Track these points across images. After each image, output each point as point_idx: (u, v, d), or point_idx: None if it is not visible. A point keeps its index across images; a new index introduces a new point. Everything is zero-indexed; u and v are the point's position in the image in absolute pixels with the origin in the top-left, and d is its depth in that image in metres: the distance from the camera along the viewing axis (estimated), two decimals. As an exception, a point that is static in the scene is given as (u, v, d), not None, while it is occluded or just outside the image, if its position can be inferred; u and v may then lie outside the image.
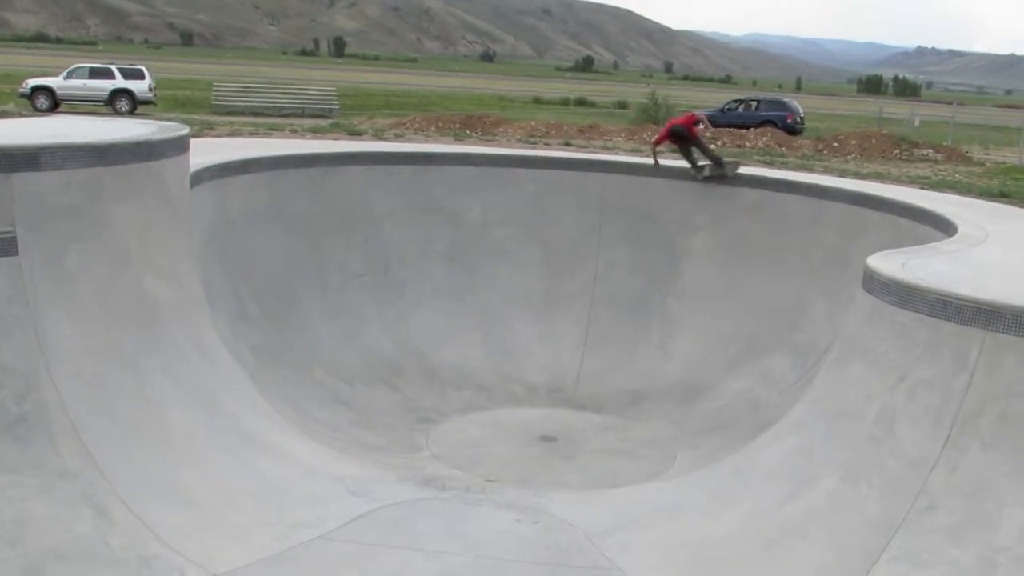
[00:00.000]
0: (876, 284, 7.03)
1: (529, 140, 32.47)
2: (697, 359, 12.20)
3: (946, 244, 8.95)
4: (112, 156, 7.48)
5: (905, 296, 6.67)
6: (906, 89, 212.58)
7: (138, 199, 7.74)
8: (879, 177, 24.87)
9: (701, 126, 13.95)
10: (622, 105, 67.42)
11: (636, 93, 67.41)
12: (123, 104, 40.44)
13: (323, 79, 72.88)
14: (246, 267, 11.08)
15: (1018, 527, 5.75)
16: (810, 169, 24.80)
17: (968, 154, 38.74)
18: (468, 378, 11.92)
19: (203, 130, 27.78)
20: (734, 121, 45.56)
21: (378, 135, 30.95)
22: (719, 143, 36.11)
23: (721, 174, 13.27)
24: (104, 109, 39.51)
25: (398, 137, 31.02)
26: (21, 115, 31.09)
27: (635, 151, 27.91)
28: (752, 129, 41.42)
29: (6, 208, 6.66)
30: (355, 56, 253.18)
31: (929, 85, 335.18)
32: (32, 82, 41.15)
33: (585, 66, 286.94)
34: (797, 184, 13.24)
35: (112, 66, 43.09)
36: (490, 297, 12.91)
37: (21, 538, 5.91)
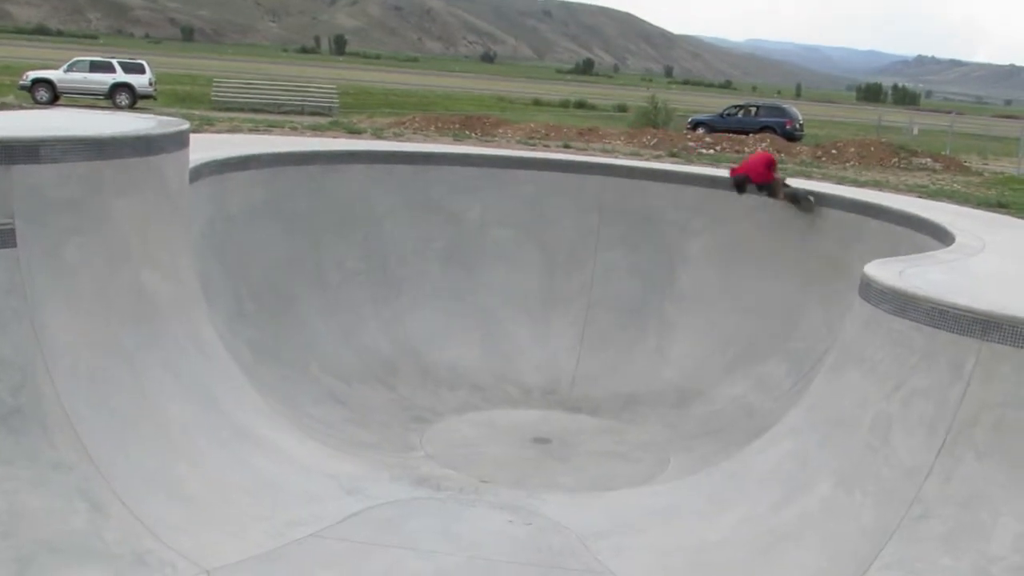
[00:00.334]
0: (873, 292, 7.04)
1: (528, 142, 32.49)
2: (693, 363, 12.21)
3: (944, 253, 8.95)
4: (112, 150, 7.48)
5: (902, 305, 6.68)
6: (905, 98, 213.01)
7: (138, 193, 7.73)
8: (877, 185, 24.90)
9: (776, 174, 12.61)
10: (622, 108, 67.53)
11: (636, 97, 67.50)
12: (123, 98, 40.44)
13: (323, 77, 72.93)
14: (244, 263, 11.08)
15: (1012, 537, 5.76)
16: (808, 176, 24.81)
17: (966, 164, 38.81)
18: (463, 378, 11.92)
19: (203, 126, 27.78)
20: (733, 127, 45.65)
21: (377, 134, 30.97)
22: (719, 148, 36.16)
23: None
24: (104, 103, 39.49)
25: (397, 136, 31.03)
26: (21, 107, 31.07)
27: (634, 154, 27.96)
28: (751, 135, 41.47)
29: (5, 200, 6.66)
30: (356, 54, 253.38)
31: (929, 94, 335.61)
32: (32, 74, 41.18)
33: (585, 69, 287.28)
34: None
35: (113, 60, 43.08)
36: (487, 298, 12.91)
37: (14, 530, 5.91)
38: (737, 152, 35.67)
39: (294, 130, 28.65)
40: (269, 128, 29.18)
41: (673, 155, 30.69)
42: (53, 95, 39.86)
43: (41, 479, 6.21)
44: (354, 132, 31.10)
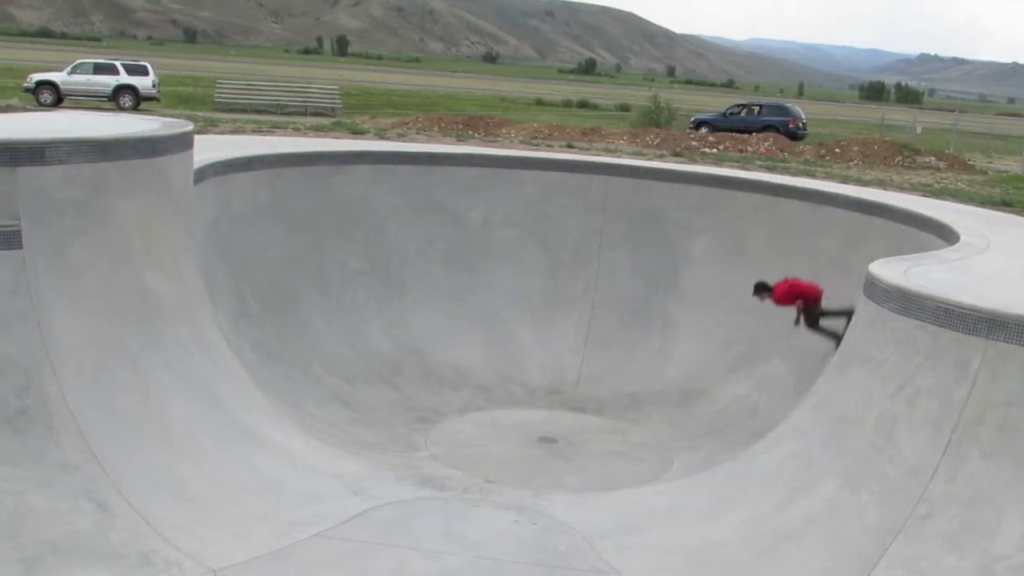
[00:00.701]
0: (878, 291, 7.04)
1: (531, 142, 32.48)
2: (697, 363, 12.21)
3: (948, 252, 8.94)
4: (116, 151, 7.50)
5: (907, 304, 6.68)
6: (908, 96, 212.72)
7: (142, 195, 7.75)
8: (881, 184, 24.86)
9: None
10: (624, 108, 67.50)
11: (638, 96, 67.49)
12: (127, 100, 40.49)
13: (326, 78, 72.96)
14: (248, 264, 11.10)
15: (1017, 536, 5.76)
16: (812, 175, 24.80)
17: (970, 162, 38.77)
18: (467, 378, 11.93)
19: (206, 127, 27.80)
20: (736, 126, 45.63)
21: (380, 134, 30.97)
22: (722, 147, 36.13)
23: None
24: (108, 105, 39.53)
25: (400, 137, 31.04)
26: (25, 109, 31.11)
27: (637, 154, 27.94)
28: (754, 134, 41.43)
29: (11, 202, 6.67)
30: (358, 55, 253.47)
31: (932, 92, 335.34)
32: (36, 77, 41.23)
33: (588, 68, 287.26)
34: (799, 190, 13.23)
35: (116, 62, 43.13)
36: (491, 298, 12.91)
37: (20, 530, 5.92)
38: (740, 151, 35.64)
39: (297, 131, 28.68)
40: (272, 129, 29.20)
41: (676, 155, 30.68)
42: (57, 97, 39.91)
43: (47, 480, 6.23)
44: (357, 133, 31.11)
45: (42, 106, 37.51)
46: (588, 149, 30.98)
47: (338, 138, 24.60)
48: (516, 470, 9.54)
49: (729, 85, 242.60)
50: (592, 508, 7.99)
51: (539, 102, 74.78)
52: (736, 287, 12.50)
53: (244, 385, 8.75)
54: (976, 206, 16.55)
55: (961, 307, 6.34)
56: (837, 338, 9.87)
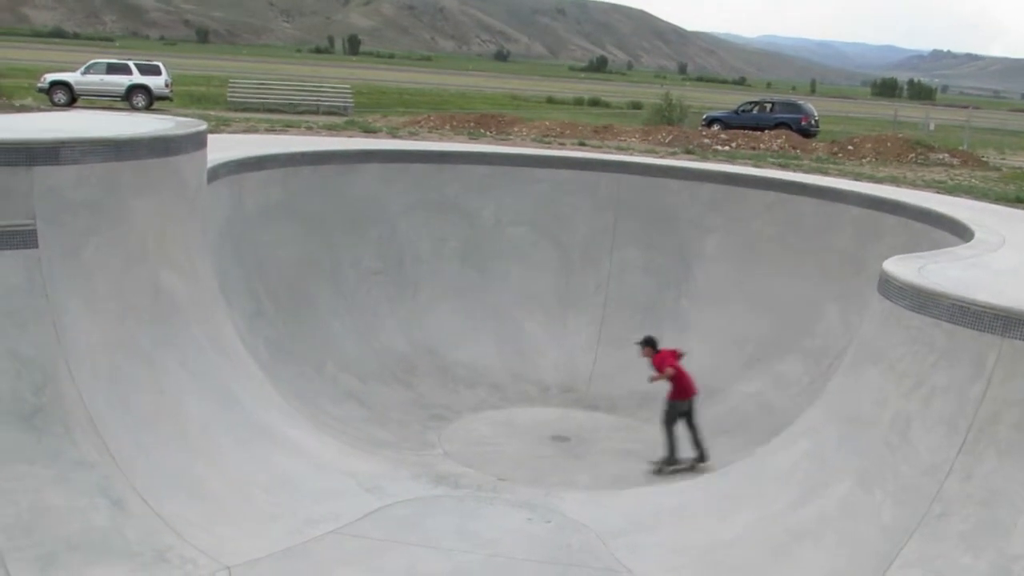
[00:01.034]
0: (892, 289, 7.01)
1: (543, 140, 32.45)
2: (709, 361, 12.16)
3: (963, 249, 8.91)
4: (130, 151, 7.53)
5: (922, 301, 6.65)
6: (921, 93, 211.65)
7: (155, 194, 7.78)
8: (894, 181, 24.78)
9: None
10: (636, 106, 67.36)
11: (650, 94, 67.38)
12: (140, 100, 40.57)
13: (338, 76, 73.03)
14: (261, 263, 11.12)
15: (1033, 534, 5.73)
16: (825, 172, 24.74)
17: (984, 159, 38.59)
18: (481, 377, 11.94)
19: (219, 126, 27.87)
20: (748, 123, 45.49)
21: (393, 133, 31.00)
22: (734, 145, 36.05)
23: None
24: (121, 105, 39.64)
25: (412, 135, 31.06)
26: (39, 109, 31.24)
27: (649, 152, 27.90)
28: (766, 131, 41.32)
29: (26, 201, 6.71)
30: (369, 54, 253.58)
31: (944, 89, 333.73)
32: (50, 77, 41.35)
33: (599, 66, 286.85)
34: (811, 187, 13.19)
35: (129, 62, 43.24)
36: (503, 296, 12.92)
37: (37, 527, 5.95)
38: (753, 148, 35.56)
39: (309, 130, 28.71)
40: (285, 128, 29.25)
41: (689, 152, 30.64)
42: (71, 97, 40.01)
43: (63, 477, 6.25)
44: (369, 131, 31.13)
45: (56, 106, 37.62)
46: (600, 147, 30.95)
47: (350, 137, 24.63)
48: (529, 468, 9.54)
49: (741, 82, 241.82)
50: (605, 506, 7.99)
51: (550, 100, 74.70)
52: (749, 285, 12.48)
53: (259, 383, 8.78)
54: (990, 203, 16.46)
55: (976, 304, 6.31)
56: (671, 453, 9.70)
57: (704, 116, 49.35)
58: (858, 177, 24.13)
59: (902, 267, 7.28)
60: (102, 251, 7.21)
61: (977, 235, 9.62)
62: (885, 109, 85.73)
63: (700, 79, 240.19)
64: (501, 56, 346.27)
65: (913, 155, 36.87)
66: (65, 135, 7.23)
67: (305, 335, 11.17)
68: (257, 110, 41.41)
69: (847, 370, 7.69)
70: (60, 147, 6.98)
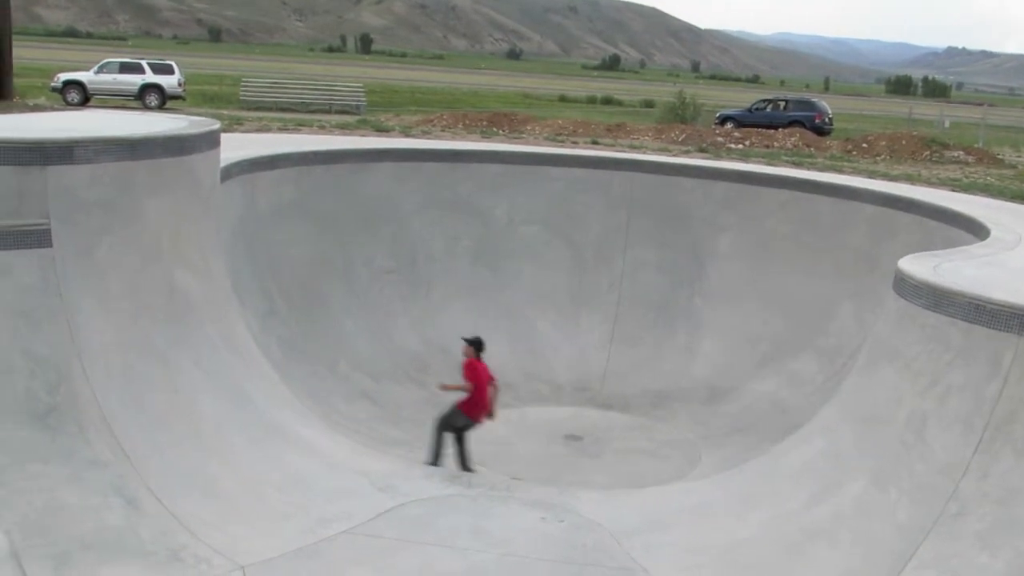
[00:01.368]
0: (908, 287, 6.97)
1: (556, 138, 32.39)
2: (723, 360, 12.16)
3: (978, 247, 8.86)
4: (144, 150, 7.54)
5: (937, 300, 6.61)
6: (936, 90, 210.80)
7: (169, 193, 7.78)
8: (909, 179, 24.65)
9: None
10: (649, 104, 67.24)
11: (663, 92, 67.20)
12: (153, 99, 40.67)
13: (350, 75, 73.12)
14: (275, 261, 11.14)
15: (1050, 534, 5.69)
16: (839, 170, 24.61)
17: (999, 156, 38.38)
18: (494, 375, 11.90)
19: (232, 125, 27.90)
20: (762, 121, 45.36)
21: (405, 132, 30.98)
22: (748, 143, 35.96)
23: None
24: (134, 104, 39.76)
25: (425, 134, 31.05)
26: (53, 109, 31.34)
27: (663, 150, 27.82)
28: (780, 129, 41.18)
29: (41, 201, 6.72)
30: (382, 53, 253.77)
31: (959, 86, 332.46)
32: (63, 76, 41.50)
33: (612, 64, 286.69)
34: (826, 185, 13.15)
35: (142, 61, 43.36)
36: (516, 295, 12.91)
37: (51, 527, 5.97)
38: (766, 147, 35.46)
39: (322, 129, 28.71)
40: (298, 127, 29.27)
41: (702, 150, 30.54)
42: (84, 96, 40.13)
43: (77, 476, 6.27)
44: (382, 130, 31.12)
45: (69, 105, 37.73)
46: (613, 145, 30.88)
47: (363, 136, 24.62)
48: (543, 467, 9.53)
49: (754, 80, 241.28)
50: (619, 506, 7.96)
51: (563, 98, 74.63)
52: (763, 283, 12.45)
53: (272, 383, 8.78)
54: (1006, 200, 16.36)
55: (992, 303, 6.27)
56: (434, 457, 9.25)
57: (717, 114, 49.22)
58: (872, 175, 24.01)
59: (917, 265, 7.24)
60: (116, 250, 7.22)
61: (993, 233, 9.57)
62: (900, 107, 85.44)
63: (713, 77, 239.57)
64: (513, 54, 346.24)
65: (928, 153, 36.69)
66: (79, 135, 7.25)
67: (318, 334, 11.18)
68: (270, 109, 41.48)
69: (862, 369, 7.65)
70: (74, 147, 6.99)
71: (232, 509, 6.76)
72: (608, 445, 10.40)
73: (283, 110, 41.71)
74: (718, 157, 25.30)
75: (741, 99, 66.46)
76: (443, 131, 33.74)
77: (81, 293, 6.87)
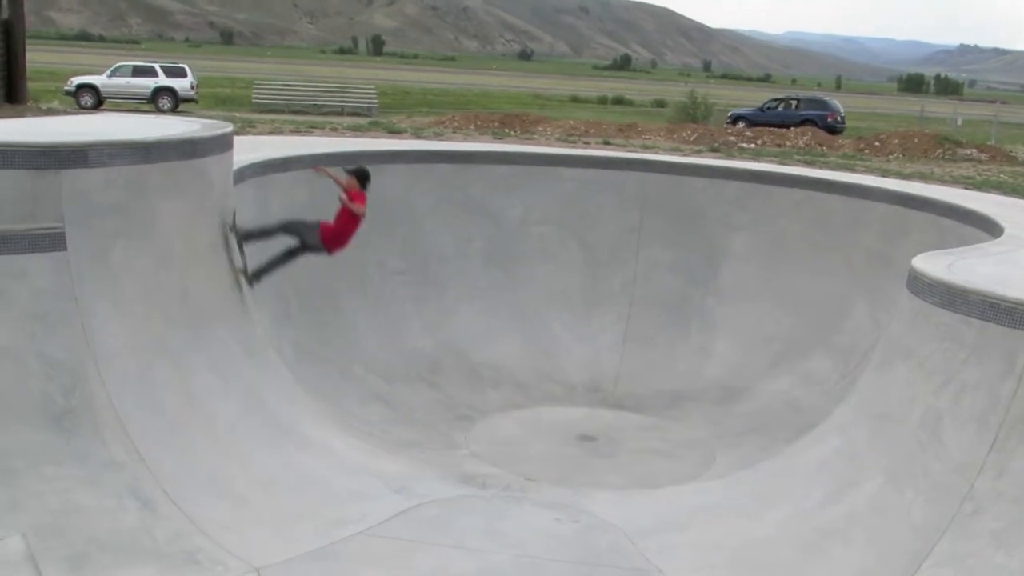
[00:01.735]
0: (922, 285, 6.96)
1: (568, 139, 32.37)
2: (737, 359, 12.13)
3: (992, 245, 8.83)
4: (158, 153, 7.57)
5: (951, 298, 6.60)
6: (948, 88, 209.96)
7: (183, 196, 7.82)
8: (922, 177, 24.57)
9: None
10: (660, 104, 67.16)
11: (674, 92, 67.10)
12: (165, 102, 40.81)
13: (362, 77, 73.21)
14: (288, 264, 11.14)
15: (1066, 533, 5.67)
16: (852, 169, 24.54)
17: (1012, 154, 38.21)
18: (507, 376, 11.92)
19: (244, 128, 27.96)
20: (773, 120, 45.26)
21: (417, 133, 31.01)
22: (760, 142, 35.88)
23: None
24: (147, 107, 39.91)
25: (437, 136, 31.07)
26: (66, 112, 31.47)
27: (675, 150, 27.80)
28: (792, 128, 41.08)
29: (55, 204, 6.76)
30: (393, 54, 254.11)
31: (972, 84, 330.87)
32: (77, 80, 41.66)
33: (623, 64, 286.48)
34: (839, 184, 13.12)
35: (155, 64, 43.53)
36: (529, 296, 12.90)
37: (67, 528, 6.00)
38: (779, 146, 35.38)
39: (334, 131, 28.75)
40: (310, 129, 29.31)
41: (714, 150, 30.47)
42: (97, 100, 40.28)
43: (93, 478, 6.30)
44: (394, 132, 31.15)
45: (83, 109, 37.90)
46: (625, 146, 30.85)
47: (375, 138, 24.65)
48: (556, 468, 9.53)
49: (766, 79, 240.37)
50: (633, 506, 7.97)
51: (574, 99, 74.61)
52: (776, 282, 12.42)
53: (286, 385, 8.80)
54: (1019, 198, 16.29)
55: (1007, 301, 6.25)
56: (269, 267, 9.05)
57: (729, 114, 49.12)
58: (885, 173, 23.92)
59: (931, 264, 7.23)
60: (130, 253, 7.25)
61: (1007, 231, 9.53)
62: (912, 105, 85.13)
63: (725, 76, 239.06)
64: (525, 55, 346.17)
65: (941, 151, 36.55)
66: (93, 138, 7.29)
67: (331, 336, 11.20)
68: (282, 112, 41.56)
69: (876, 367, 7.63)
70: (88, 150, 7.03)
71: (247, 511, 6.78)
72: (622, 446, 10.39)
73: (295, 112, 41.78)
74: (730, 157, 25.26)
75: (753, 98, 66.31)
76: (455, 132, 33.75)
77: (96, 296, 6.90)
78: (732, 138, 37.09)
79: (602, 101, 73.96)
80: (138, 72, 42.31)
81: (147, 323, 7.28)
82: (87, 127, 8.68)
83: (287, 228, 9.26)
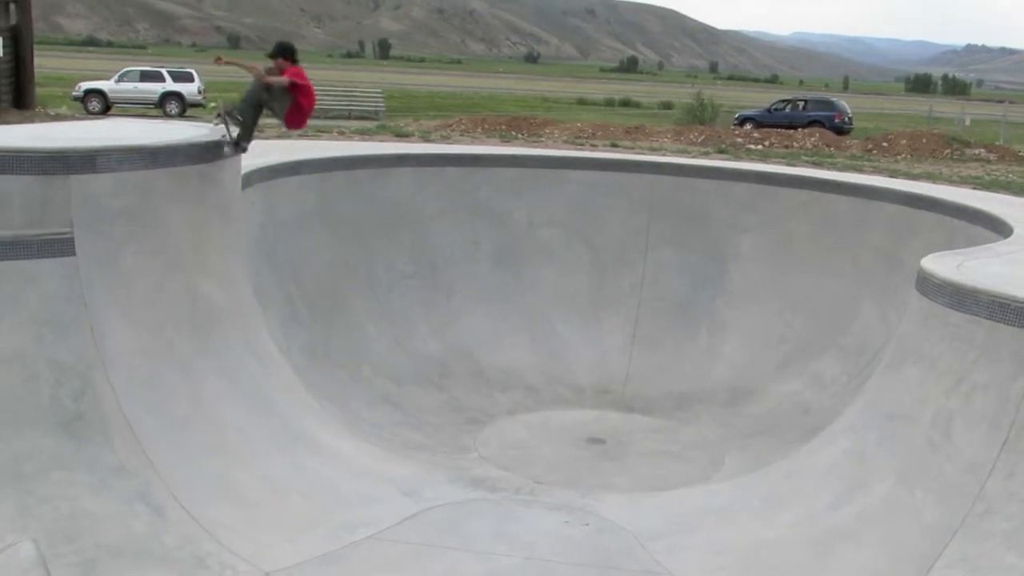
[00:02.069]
0: (931, 286, 6.94)
1: (575, 141, 32.36)
2: (746, 361, 12.11)
3: (1001, 245, 8.81)
4: (166, 158, 7.59)
5: (961, 298, 6.58)
6: (956, 88, 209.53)
7: (191, 201, 7.84)
8: (930, 177, 24.50)
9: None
10: (667, 106, 67.08)
11: (681, 93, 67.03)
12: (173, 107, 40.94)
13: (369, 81, 73.33)
14: (296, 268, 11.18)
15: (1079, 534, 5.64)
16: (859, 169, 24.49)
17: (1021, 154, 38.10)
18: (516, 379, 11.92)
19: (251, 132, 27.98)
20: (781, 121, 45.24)
21: (425, 137, 31.02)
22: (767, 144, 35.84)
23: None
24: (154, 112, 40.02)
25: (444, 139, 31.08)
26: (75, 118, 31.57)
27: (682, 151, 27.78)
28: (800, 129, 41.04)
29: (64, 209, 6.78)
30: (400, 58, 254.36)
31: (979, 83, 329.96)
32: (85, 85, 41.82)
33: (629, 66, 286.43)
34: (847, 185, 13.09)
35: (162, 69, 43.66)
36: (537, 298, 12.89)
37: (77, 534, 6.01)
38: (786, 147, 35.33)
39: (342, 134, 28.78)
40: (317, 133, 29.33)
41: (721, 151, 30.44)
42: (105, 105, 40.44)
43: (103, 484, 6.31)
44: (401, 135, 31.18)
45: (91, 114, 38.02)
46: (632, 148, 30.82)
47: (382, 141, 24.68)
48: (566, 471, 9.51)
49: (773, 80, 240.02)
50: (643, 508, 7.96)
51: (581, 101, 74.57)
52: (785, 284, 12.40)
53: (295, 389, 8.82)
54: (1029, 198, 16.23)
55: (1017, 301, 6.24)
56: (245, 136, 8.52)
57: (736, 115, 49.11)
58: (893, 174, 23.86)
59: (940, 264, 7.21)
60: (139, 259, 7.27)
61: (1016, 231, 9.50)
62: (919, 105, 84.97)
63: (731, 78, 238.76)
64: (531, 58, 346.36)
65: (949, 151, 36.47)
66: (101, 143, 7.31)
67: (340, 340, 11.21)
68: (289, 116, 41.59)
69: (886, 368, 7.62)
70: (96, 155, 7.04)
71: (257, 515, 6.79)
72: (631, 448, 10.37)
73: (302, 116, 41.78)
74: (738, 158, 25.23)
75: (760, 100, 66.27)
76: (462, 135, 33.76)
77: (105, 301, 6.91)
78: (739, 140, 37.05)
79: (609, 103, 73.95)
80: (146, 77, 42.46)
81: (156, 328, 7.29)
82: (95, 132, 8.70)
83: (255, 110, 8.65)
